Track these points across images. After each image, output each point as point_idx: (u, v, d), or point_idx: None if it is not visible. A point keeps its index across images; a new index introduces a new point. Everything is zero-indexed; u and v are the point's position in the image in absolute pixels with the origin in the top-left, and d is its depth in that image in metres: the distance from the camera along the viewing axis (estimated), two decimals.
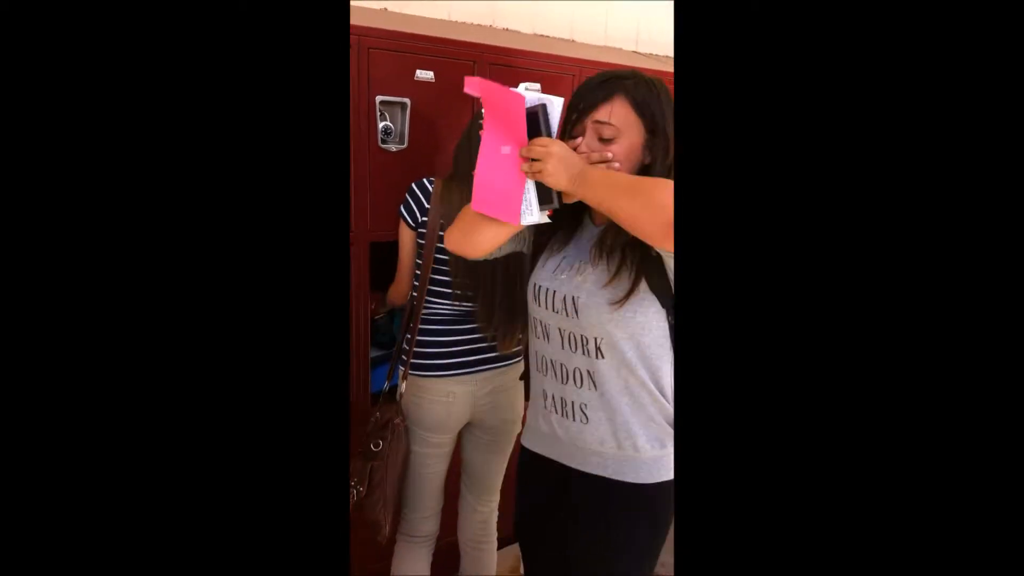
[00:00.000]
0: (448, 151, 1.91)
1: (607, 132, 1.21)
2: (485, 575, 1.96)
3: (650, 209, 1.05)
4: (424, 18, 2.38)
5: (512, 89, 1.14)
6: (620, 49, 3.12)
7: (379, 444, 1.69)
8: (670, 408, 1.27)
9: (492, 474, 1.92)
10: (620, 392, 1.25)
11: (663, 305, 1.22)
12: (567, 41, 2.90)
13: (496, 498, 1.97)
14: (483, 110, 1.24)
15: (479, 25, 2.61)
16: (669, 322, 1.23)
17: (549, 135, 1.16)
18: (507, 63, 2.37)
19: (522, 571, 1.54)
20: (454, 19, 2.53)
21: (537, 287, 1.33)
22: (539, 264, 1.37)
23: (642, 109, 1.21)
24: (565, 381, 1.30)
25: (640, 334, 1.23)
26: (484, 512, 1.95)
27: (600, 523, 1.30)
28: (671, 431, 1.27)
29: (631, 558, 1.30)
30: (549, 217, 1.22)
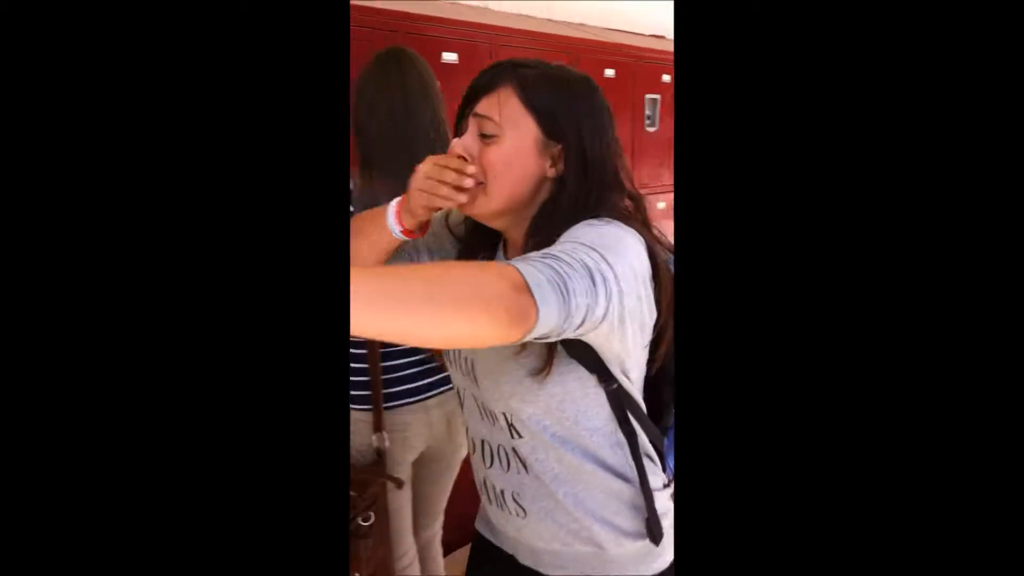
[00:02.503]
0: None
1: (487, 128, 0.92)
2: None
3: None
4: None
5: None
6: (533, 17, 2.92)
7: (369, 518, 1.39)
8: (631, 489, 0.97)
9: (440, 499, 1.76)
10: (553, 479, 0.96)
11: (590, 370, 0.91)
12: (480, 9, 2.66)
13: (441, 519, 1.80)
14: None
15: None
16: (604, 388, 0.92)
17: None
18: (422, 31, 2.12)
19: None
20: None
21: None
22: None
23: (536, 105, 0.91)
24: (491, 464, 1.02)
25: (558, 408, 0.93)
26: (427, 534, 1.77)
27: None
28: (639, 517, 0.98)
29: None
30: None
